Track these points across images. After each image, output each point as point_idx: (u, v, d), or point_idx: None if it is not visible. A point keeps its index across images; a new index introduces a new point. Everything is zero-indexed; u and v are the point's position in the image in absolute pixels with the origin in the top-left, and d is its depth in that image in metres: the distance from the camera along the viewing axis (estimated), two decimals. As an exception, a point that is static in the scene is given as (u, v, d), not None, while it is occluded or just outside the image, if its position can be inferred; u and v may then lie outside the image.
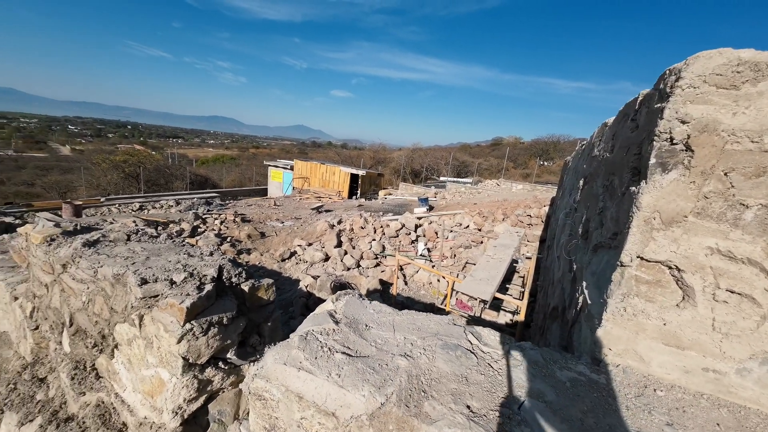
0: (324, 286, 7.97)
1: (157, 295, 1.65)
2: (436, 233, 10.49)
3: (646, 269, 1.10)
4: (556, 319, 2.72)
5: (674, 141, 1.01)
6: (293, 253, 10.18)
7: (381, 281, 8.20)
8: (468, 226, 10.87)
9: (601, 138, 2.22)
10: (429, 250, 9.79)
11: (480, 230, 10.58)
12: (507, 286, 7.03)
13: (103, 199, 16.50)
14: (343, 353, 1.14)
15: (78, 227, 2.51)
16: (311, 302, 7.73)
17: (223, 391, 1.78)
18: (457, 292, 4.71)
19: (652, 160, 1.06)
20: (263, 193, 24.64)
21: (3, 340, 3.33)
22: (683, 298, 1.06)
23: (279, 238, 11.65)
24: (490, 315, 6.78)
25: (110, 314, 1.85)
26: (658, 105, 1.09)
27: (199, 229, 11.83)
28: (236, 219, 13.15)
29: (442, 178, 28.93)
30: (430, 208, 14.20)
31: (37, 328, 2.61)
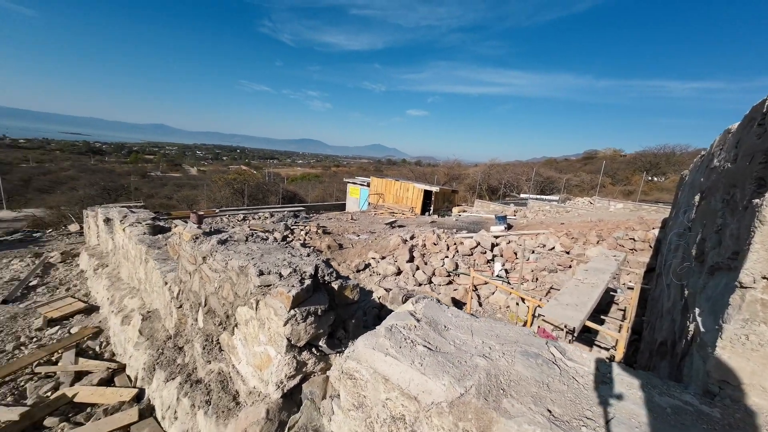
0: (396, 299, 8.15)
1: (270, 285, 2.02)
2: (515, 254, 9.82)
3: (777, 293, 0.95)
4: (664, 357, 2.35)
5: (810, 146, 0.89)
6: (367, 265, 10.68)
7: (453, 299, 8.01)
8: (553, 248, 9.91)
9: (723, 146, 1.93)
10: (507, 272, 9.21)
11: (568, 253, 9.54)
12: (602, 317, 6.15)
13: (217, 211, 19.95)
14: (424, 346, 1.25)
15: (212, 229, 3.19)
16: (383, 313, 7.97)
17: (314, 375, 2.04)
18: (539, 317, 4.35)
19: (780, 169, 0.94)
20: (342, 207, 26.54)
21: (155, 315, 4.34)
22: (833, 330, 0.89)
23: (355, 250, 12.37)
24: (581, 349, 6.00)
25: (234, 298, 2.32)
26: (788, 107, 0.97)
27: (288, 238, 13.36)
28: (318, 231, 14.45)
29: (522, 195, 27.00)
30: (509, 227, 13.38)
31: (180, 307, 3.36)
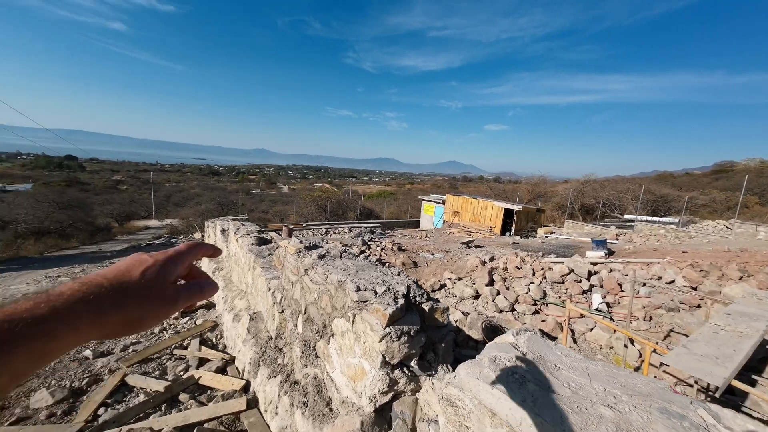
0: (474, 325, 7.72)
1: (366, 301, 2.16)
2: (620, 285, 8.43)
3: None
4: None
5: None
6: (443, 286, 10.43)
7: (541, 332, 7.23)
8: (673, 281, 8.22)
9: None
10: (608, 305, 7.94)
11: (695, 289, 7.78)
12: (753, 377, 4.76)
13: (304, 224, 22.11)
14: (535, 384, 1.18)
15: (311, 244, 3.58)
16: (460, 338, 7.61)
17: (405, 395, 2.07)
18: (660, 365, 3.60)
19: None
20: (416, 225, 26.70)
21: (259, 317, 4.98)
22: None
23: (429, 269, 12.23)
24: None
25: (331, 310, 2.53)
26: None
27: (364, 254, 13.97)
28: (393, 247, 14.76)
29: (627, 216, 23.20)
30: (610, 253, 11.61)
31: (282, 312, 3.79)
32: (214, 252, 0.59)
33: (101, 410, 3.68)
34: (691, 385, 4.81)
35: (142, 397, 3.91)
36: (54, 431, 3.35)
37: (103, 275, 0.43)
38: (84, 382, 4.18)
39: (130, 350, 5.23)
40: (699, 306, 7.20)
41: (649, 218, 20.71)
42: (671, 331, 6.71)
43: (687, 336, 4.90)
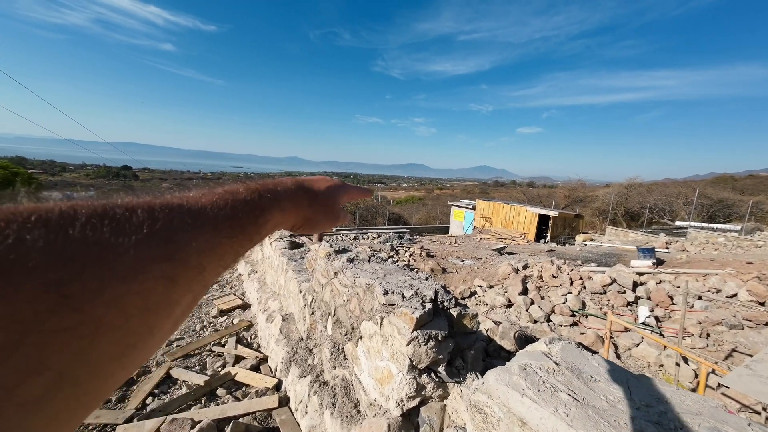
0: (506, 335, 7.42)
1: (394, 304, 2.17)
2: (671, 298, 7.73)
3: None
4: None
5: None
6: (473, 293, 10.15)
7: (579, 344, 6.79)
8: (735, 295, 7.41)
9: None
10: (657, 320, 7.30)
11: (762, 305, 6.95)
12: (837, 407, 4.13)
13: (333, 230, 22.57)
14: (568, 395, 1.13)
15: (340, 248, 3.67)
16: (491, 348, 7.36)
17: (432, 401, 2.05)
18: (718, 387, 3.25)
19: None
20: (445, 231, 26.27)
21: (291, 318, 5.15)
22: None
23: (459, 275, 11.98)
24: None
25: (360, 312, 2.57)
26: None
27: (392, 259, 13.97)
28: (422, 253, 14.62)
29: (679, 223, 21.27)
30: (659, 263, 10.71)
31: (312, 314, 3.91)
32: (365, 195, 0.68)
33: (149, 399, 3.98)
34: (759, 413, 4.29)
35: (184, 390, 4.19)
36: (108, 416, 3.68)
37: (294, 180, 0.49)
38: (135, 372, 4.55)
39: (174, 345, 5.61)
40: (767, 323, 6.42)
41: (705, 225, 18.82)
42: (734, 350, 6.04)
43: (752, 357, 4.38)
